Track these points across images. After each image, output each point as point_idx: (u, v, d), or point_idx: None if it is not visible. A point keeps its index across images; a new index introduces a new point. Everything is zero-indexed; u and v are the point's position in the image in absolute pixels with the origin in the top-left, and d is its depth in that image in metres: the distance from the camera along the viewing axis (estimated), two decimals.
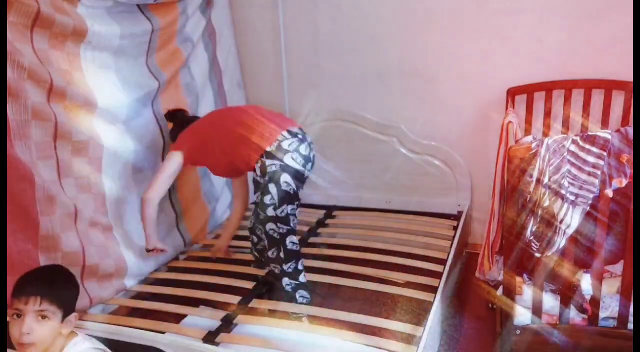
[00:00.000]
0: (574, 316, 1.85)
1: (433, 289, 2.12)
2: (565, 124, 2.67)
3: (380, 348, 1.80)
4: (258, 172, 2.16)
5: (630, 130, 1.65)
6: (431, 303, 2.02)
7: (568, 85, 2.62)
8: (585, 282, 1.84)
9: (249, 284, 2.30)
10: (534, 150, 1.66)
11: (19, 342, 1.36)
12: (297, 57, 3.11)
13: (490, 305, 2.34)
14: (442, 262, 2.35)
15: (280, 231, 2.15)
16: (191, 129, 2.36)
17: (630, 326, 1.79)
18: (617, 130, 1.67)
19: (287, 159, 2.12)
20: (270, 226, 2.15)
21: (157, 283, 2.46)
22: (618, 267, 1.92)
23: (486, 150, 2.82)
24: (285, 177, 2.11)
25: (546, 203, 1.69)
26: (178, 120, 2.47)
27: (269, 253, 2.22)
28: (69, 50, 2.05)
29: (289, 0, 3.03)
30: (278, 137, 2.15)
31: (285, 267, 2.19)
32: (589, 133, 1.67)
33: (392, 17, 2.87)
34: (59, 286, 1.45)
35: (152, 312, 2.18)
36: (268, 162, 2.11)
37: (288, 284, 2.21)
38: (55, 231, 1.95)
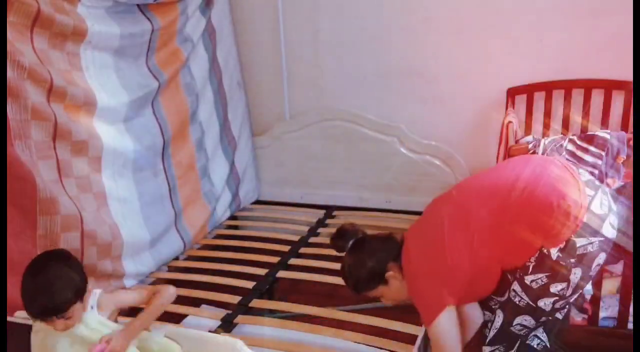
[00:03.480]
0: (574, 315, 1.85)
1: None
2: (565, 124, 2.67)
3: (380, 348, 1.80)
4: (558, 254, 1.44)
5: (629, 136, 1.65)
6: None
7: (568, 85, 2.62)
8: None
9: (249, 284, 2.30)
10: (531, 151, 1.67)
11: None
12: (297, 57, 3.11)
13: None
14: None
15: (540, 322, 1.55)
16: (434, 256, 1.55)
17: (630, 326, 1.79)
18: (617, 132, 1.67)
19: (606, 230, 1.44)
20: (524, 320, 1.52)
21: (157, 283, 2.46)
22: (618, 267, 1.92)
23: (486, 150, 2.82)
24: (600, 258, 1.45)
25: None
26: (373, 240, 1.70)
27: (490, 350, 1.61)
28: (69, 50, 2.05)
29: (289, 0, 3.03)
30: (584, 200, 1.44)
31: None
32: (588, 133, 1.68)
33: (393, 17, 2.87)
34: (62, 295, 1.43)
35: None
36: (580, 242, 1.42)
37: None
38: (55, 230, 1.95)
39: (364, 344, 1.84)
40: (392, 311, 2.10)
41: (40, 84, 1.88)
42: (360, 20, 2.93)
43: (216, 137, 2.99)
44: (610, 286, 1.90)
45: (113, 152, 2.24)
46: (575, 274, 1.44)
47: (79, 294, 1.48)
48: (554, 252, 1.44)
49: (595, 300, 1.80)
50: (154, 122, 2.50)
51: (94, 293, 1.56)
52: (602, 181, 1.64)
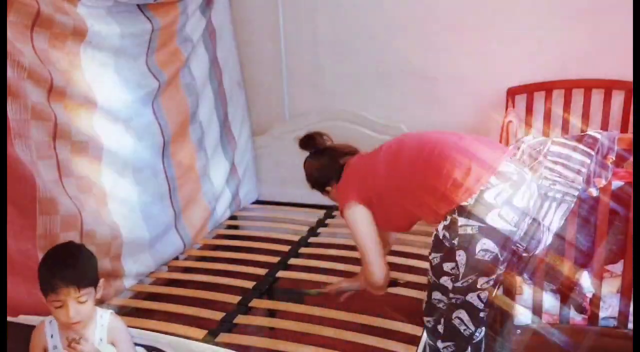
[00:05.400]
0: (574, 315, 1.85)
1: None
2: (565, 124, 2.67)
3: (380, 348, 1.80)
4: (444, 232, 1.60)
5: (620, 135, 1.66)
6: None
7: (568, 85, 2.62)
8: (585, 281, 1.84)
9: (249, 284, 2.30)
10: None
11: (67, 324, 1.46)
12: (297, 57, 3.11)
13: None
14: None
15: (453, 301, 1.62)
16: (360, 170, 1.87)
17: (630, 325, 1.79)
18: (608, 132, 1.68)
19: (491, 219, 1.50)
20: (437, 295, 1.68)
21: (157, 283, 2.46)
22: (618, 267, 1.92)
23: None
24: (484, 244, 1.52)
25: None
26: (327, 156, 2.07)
27: (426, 320, 1.74)
28: (69, 50, 2.05)
29: (289, 0, 3.03)
30: (481, 186, 1.53)
31: (440, 345, 1.67)
32: (581, 134, 1.69)
33: (392, 17, 2.87)
34: (86, 268, 1.50)
35: (152, 312, 2.18)
36: (461, 221, 1.54)
37: None
38: (55, 230, 1.95)
39: (363, 344, 1.84)
40: (393, 312, 2.10)
41: (41, 83, 1.88)
42: (360, 21, 2.93)
43: (216, 137, 3.00)
44: (611, 285, 1.90)
45: (113, 152, 2.24)
46: (460, 256, 1.55)
47: (96, 277, 1.51)
48: (440, 230, 1.61)
49: (595, 300, 1.80)
50: (154, 122, 2.50)
51: (102, 315, 1.55)
52: (589, 180, 1.63)
